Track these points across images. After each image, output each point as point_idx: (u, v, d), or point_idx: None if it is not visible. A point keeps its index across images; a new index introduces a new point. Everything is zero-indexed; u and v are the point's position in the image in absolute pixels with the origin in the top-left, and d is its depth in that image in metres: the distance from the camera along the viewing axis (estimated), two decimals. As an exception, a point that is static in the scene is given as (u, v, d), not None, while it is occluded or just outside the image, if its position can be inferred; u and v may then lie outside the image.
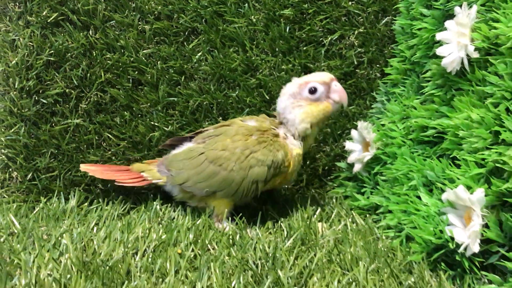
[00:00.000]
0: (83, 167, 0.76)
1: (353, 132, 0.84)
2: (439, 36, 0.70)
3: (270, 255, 0.61)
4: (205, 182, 0.73)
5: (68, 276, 0.51)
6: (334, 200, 0.85)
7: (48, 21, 0.76)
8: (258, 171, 0.72)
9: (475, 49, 0.66)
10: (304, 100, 0.74)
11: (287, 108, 0.75)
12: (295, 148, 0.75)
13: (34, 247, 0.57)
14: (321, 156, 0.89)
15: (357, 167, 0.83)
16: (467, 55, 0.67)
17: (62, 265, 0.54)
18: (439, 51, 0.70)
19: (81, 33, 0.77)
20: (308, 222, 0.72)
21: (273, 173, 0.73)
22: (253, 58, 0.83)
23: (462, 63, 0.68)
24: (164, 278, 0.54)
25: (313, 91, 0.74)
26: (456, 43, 0.68)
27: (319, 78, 0.74)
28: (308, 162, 0.88)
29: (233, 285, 0.54)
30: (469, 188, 0.61)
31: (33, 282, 0.49)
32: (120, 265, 0.55)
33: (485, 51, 0.66)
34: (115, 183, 0.75)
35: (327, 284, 0.56)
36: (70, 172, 0.78)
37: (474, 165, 0.62)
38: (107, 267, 0.53)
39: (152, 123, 0.81)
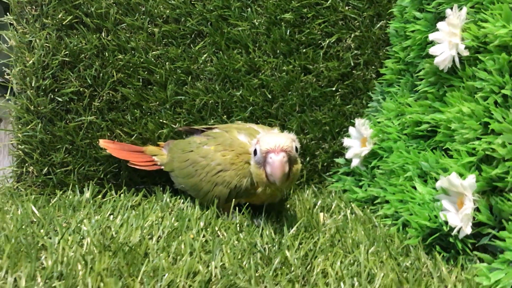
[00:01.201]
0: (102, 143, 0.80)
1: (351, 129, 0.89)
2: (431, 36, 0.75)
3: (276, 240, 0.65)
4: (182, 179, 0.77)
5: (91, 256, 0.55)
6: (333, 194, 0.89)
7: (63, 23, 0.80)
8: (221, 189, 0.74)
9: (465, 48, 0.71)
10: (254, 156, 0.70)
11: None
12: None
13: (56, 232, 0.61)
14: (320, 153, 0.94)
15: (355, 162, 0.87)
16: (458, 54, 0.72)
17: (84, 247, 0.58)
18: (431, 50, 0.75)
19: (94, 35, 0.81)
20: (310, 212, 0.76)
21: (235, 195, 0.74)
22: (255, 59, 0.88)
23: (454, 61, 0.72)
24: (180, 258, 0.57)
25: (254, 153, 0.69)
26: (447, 42, 0.73)
27: (263, 144, 0.67)
28: (308, 159, 0.93)
29: (244, 264, 0.58)
30: (461, 175, 0.66)
31: (59, 261, 0.53)
32: (138, 248, 0.59)
33: (474, 50, 0.71)
34: (128, 164, 0.80)
35: (331, 264, 0.60)
36: (83, 167, 0.82)
37: (466, 154, 0.67)
38: (127, 247, 0.57)
39: (161, 120, 0.85)
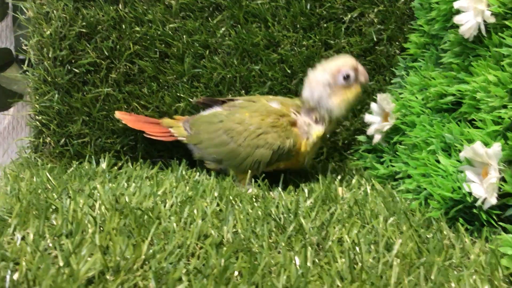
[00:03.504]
0: (118, 114, 0.79)
1: (373, 105, 0.86)
2: (456, 4, 0.72)
3: (292, 210, 0.64)
4: (215, 149, 0.76)
5: (103, 218, 0.54)
6: (354, 171, 0.87)
7: (80, -6, 0.80)
8: (263, 152, 0.75)
9: (492, 14, 0.68)
10: (340, 87, 0.75)
11: (323, 98, 0.76)
12: (316, 131, 0.77)
13: (69, 197, 0.60)
14: (341, 130, 0.91)
15: (376, 138, 0.85)
16: (484, 21, 0.69)
17: (96, 210, 0.57)
18: (456, 19, 0.72)
19: (111, 7, 0.81)
20: (329, 186, 0.74)
21: (277, 158, 0.75)
22: (275, 33, 0.86)
23: (479, 29, 0.70)
24: (192, 223, 0.56)
25: (346, 78, 0.75)
26: (473, 10, 0.70)
27: (349, 63, 0.76)
28: (328, 136, 0.91)
29: (257, 230, 0.57)
30: (486, 144, 0.63)
31: (69, 221, 0.52)
32: (150, 212, 0.58)
33: (501, 17, 0.68)
34: (144, 135, 0.79)
35: (347, 232, 0.58)
36: (100, 139, 0.82)
37: (491, 122, 0.64)
38: (139, 211, 0.56)
39: (178, 94, 0.84)
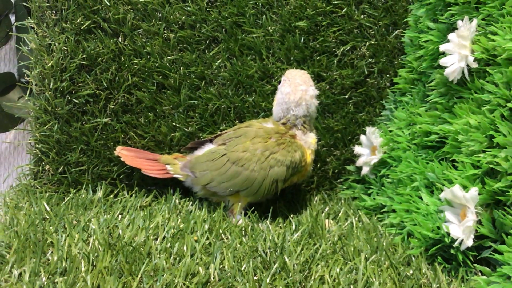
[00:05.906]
0: (117, 151, 0.82)
1: (362, 137, 0.89)
2: (442, 47, 0.75)
3: (279, 245, 0.66)
4: (228, 182, 0.78)
5: (96, 254, 0.57)
6: (342, 201, 0.90)
7: (82, 28, 0.83)
8: (277, 171, 0.78)
9: (475, 60, 0.71)
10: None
11: (315, 109, 0.82)
12: (312, 138, 0.82)
13: (65, 230, 0.63)
14: (332, 159, 0.94)
15: (365, 170, 0.88)
16: (467, 65, 0.72)
17: (90, 245, 0.60)
18: (442, 61, 0.75)
19: (111, 40, 0.84)
20: (316, 218, 0.77)
21: (292, 172, 0.79)
22: (269, 66, 0.89)
23: (463, 73, 0.72)
24: (181, 259, 0.59)
25: None
26: (457, 54, 0.73)
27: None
28: (319, 165, 0.94)
29: (243, 268, 0.60)
30: (465, 187, 0.66)
31: (64, 258, 0.55)
32: (142, 248, 0.61)
33: (484, 62, 0.71)
34: (141, 172, 0.81)
35: (329, 270, 0.61)
36: (97, 167, 0.85)
37: (470, 166, 0.67)
38: (131, 247, 0.59)
39: (174, 124, 0.87)
